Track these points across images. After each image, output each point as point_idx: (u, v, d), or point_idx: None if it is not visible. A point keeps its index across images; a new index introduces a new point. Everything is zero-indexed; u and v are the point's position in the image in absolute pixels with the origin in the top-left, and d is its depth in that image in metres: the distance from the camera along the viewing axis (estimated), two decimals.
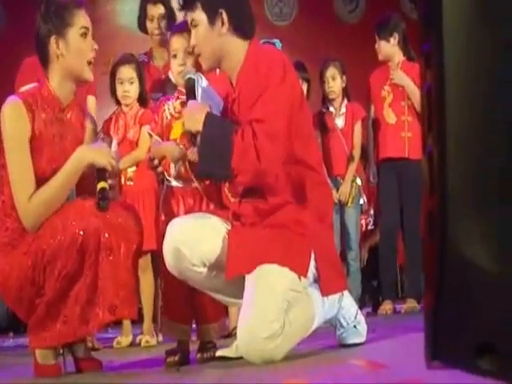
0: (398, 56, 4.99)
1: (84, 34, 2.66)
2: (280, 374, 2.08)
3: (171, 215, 2.79)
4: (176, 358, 2.60)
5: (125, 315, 2.65)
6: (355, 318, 2.61)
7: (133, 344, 3.99)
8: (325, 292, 2.47)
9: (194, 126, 2.51)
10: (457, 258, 1.05)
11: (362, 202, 5.18)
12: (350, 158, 5.06)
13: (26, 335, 3.01)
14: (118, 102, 4.11)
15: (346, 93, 5.18)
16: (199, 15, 2.58)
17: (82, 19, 2.66)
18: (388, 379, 1.68)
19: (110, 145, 2.70)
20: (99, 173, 2.55)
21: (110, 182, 2.56)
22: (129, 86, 4.05)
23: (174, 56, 2.87)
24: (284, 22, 8.36)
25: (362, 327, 2.63)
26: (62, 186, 2.56)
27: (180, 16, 4.49)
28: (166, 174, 2.88)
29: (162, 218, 2.93)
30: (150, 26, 4.57)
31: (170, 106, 2.91)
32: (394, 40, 4.96)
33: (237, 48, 2.58)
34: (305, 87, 4.74)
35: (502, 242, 1.02)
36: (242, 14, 2.62)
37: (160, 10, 4.53)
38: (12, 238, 2.56)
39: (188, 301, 2.70)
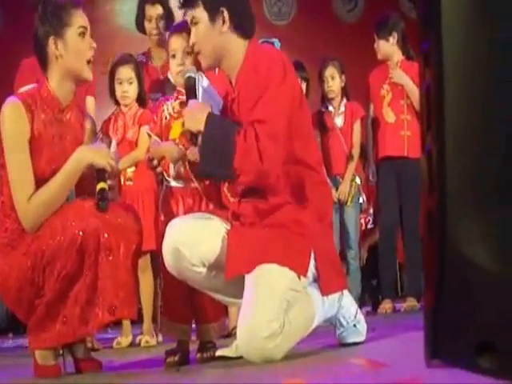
0: (397, 55, 4.99)
1: (82, 34, 2.65)
2: (280, 374, 2.07)
3: (170, 215, 2.79)
4: (176, 358, 2.60)
5: (124, 315, 2.65)
6: (355, 317, 2.61)
7: (132, 344, 3.99)
8: (324, 291, 2.47)
9: (195, 126, 2.50)
10: (456, 256, 1.05)
11: (361, 201, 5.18)
12: (349, 157, 5.06)
13: (25, 336, 3.01)
14: (116, 103, 4.11)
15: (345, 92, 5.19)
16: (200, 13, 2.57)
17: (79, 19, 2.66)
18: (388, 378, 1.67)
19: (109, 145, 2.70)
20: (99, 173, 2.55)
21: (109, 182, 2.56)
22: (128, 86, 4.05)
23: (173, 56, 2.86)
24: (283, 22, 8.36)
25: (362, 326, 2.63)
26: (61, 187, 2.56)
27: (178, 16, 4.50)
28: (165, 174, 2.87)
29: (162, 218, 2.93)
30: (148, 26, 4.57)
31: (169, 106, 2.91)
32: (393, 39, 4.96)
33: (237, 47, 2.58)
34: (304, 86, 4.74)
35: (501, 240, 1.02)
36: (242, 12, 2.62)
37: (158, 10, 4.53)
38: (11, 238, 2.56)
39: (188, 301, 2.70)
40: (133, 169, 4.02)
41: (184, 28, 2.84)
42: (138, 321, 3.71)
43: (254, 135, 2.37)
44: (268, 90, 2.42)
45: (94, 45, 2.68)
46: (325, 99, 5.19)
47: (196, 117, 2.50)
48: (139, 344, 3.92)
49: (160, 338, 3.97)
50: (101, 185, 2.51)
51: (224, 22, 2.56)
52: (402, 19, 5.16)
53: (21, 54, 4.21)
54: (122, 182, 3.99)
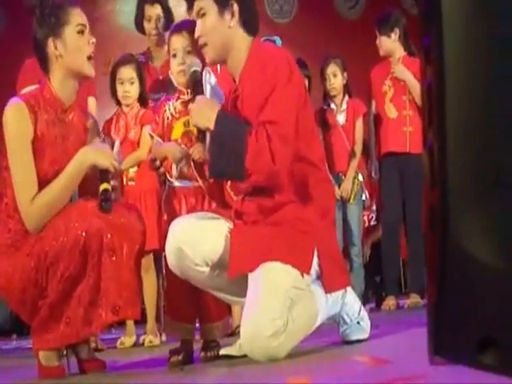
0: (399, 51, 4.98)
1: (81, 32, 2.65)
2: (284, 372, 2.07)
3: (173, 215, 2.79)
4: (180, 358, 2.60)
5: (128, 315, 2.65)
6: (358, 314, 2.61)
7: (136, 344, 4.00)
8: (328, 289, 2.47)
9: (203, 123, 2.49)
10: (458, 251, 1.05)
11: (364, 198, 5.18)
12: (352, 155, 5.05)
13: (29, 337, 3.01)
14: (118, 103, 4.11)
15: (347, 89, 5.18)
16: (209, 4, 2.54)
17: (77, 17, 2.65)
18: (392, 375, 1.67)
19: (112, 146, 2.70)
20: (102, 174, 2.55)
21: (112, 183, 2.55)
22: (129, 86, 4.05)
23: (174, 55, 2.85)
24: (284, 20, 8.35)
25: (366, 323, 2.62)
26: (64, 188, 2.56)
27: (177, 16, 4.51)
28: (167, 174, 2.87)
29: (165, 217, 2.93)
30: (148, 26, 4.57)
31: (171, 106, 2.90)
32: (395, 35, 4.95)
33: (242, 43, 2.56)
34: (305, 84, 4.74)
35: (502, 235, 1.01)
36: (250, 9, 2.61)
37: (157, 10, 4.52)
38: (15, 239, 2.56)
39: (191, 300, 2.70)
40: (135, 169, 4.02)
41: (184, 27, 2.84)
42: (141, 320, 3.70)
43: (265, 136, 2.36)
44: (276, 89, 2.40)
45: (94, 40, 2.68)
46: (327, 97, 5.19)
47: (205, 113, 2.49)
48: (143, 344, 3.93)
49: (164, 338, 3.98)
50: (104, 186, 2.50)
51: (233, 15, 2.55)
52: (404, 15, 5.15)
53: (23, 54, 4.21)
54: (125, 182, 3.99)
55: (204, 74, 2.66)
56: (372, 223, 5.89)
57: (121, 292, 2.48)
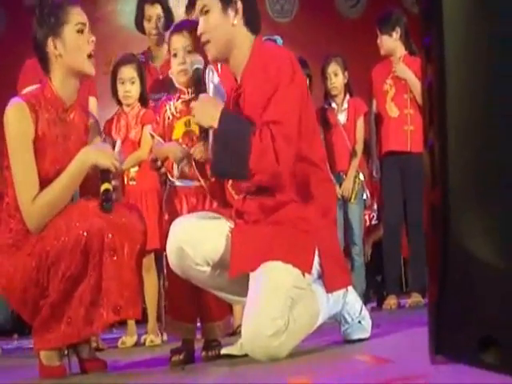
0: (400, 50, 4.98)
1: (80, 30, 2.65)
2: (285, 372, 2.07)
3: (174, 214, 2.78)
4: (181, 357, 2.60)
5: (129, 315, 2.65)
6: (360, 313, 2.61)
7: (137, 344, 3.99)
8: (329, 288, 2.46)
9: (206, 121, 2.48)
10: (459, 251, 1.05)
11: (365, 197, 5.18)
12: (353, 154, 5.05)
13: (30, 337, 3.02)
14: (119, 102, 4.10)
15: (348, 88, 5.18)
16: (212, 1, 2.54)
17: (76, 16, 2.65)
18: (393, 374, 1.67)
19: (113, 145, 2.70)
20: (103, 174, 2.54)
21: (113, 183, 2.55)
22: (130, 85, 4.05)
23: (175, 55, 2.85)
24: (285, 19, 8.35)
25: (367, 322, 2.63)
26: (65, 188, 2.56)
27: (177, 16, 4.51)
28: (168, 174, 2.87)
29: (166, 217, 2.93)
30: (148, 26, 4.57)
31: (172, 106, 2.90)
32: (396, 34, 4.95)
33: (245, 42, 2.56)
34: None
35: (503, 234, 1.01)
36: (253, 7, 2.61)
37: (157, 10, 4.52)
38: (16, 239, 2.56)
39: (192, 299, 2.70)
40: (136, 169, 4.02)
41: (185, 27, 2.84)
42: (142, 320, 3.71)
43: (269, 136, 2.35)
44: (279, 89, 2.40)
45: (93, 38, 2.67)
46: (328, 96, 5.18)
47: (208, 112, 2.48)
48: (144, 343, 3.93)
49: (165, 337, 3.98)
50: (105, 186, 2.50)
51: (236, 13, 2.54)
52: (405, 14, 5.15)
53: (24, 54, 4.20)
54: (126, 182, 3.99)
55: (207, 72, 2.66)
56: (373, 222, 5.89)
57: (122, 292, 2.48)
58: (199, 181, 2.78)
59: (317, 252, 2.43)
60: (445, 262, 1.06)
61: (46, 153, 2.59)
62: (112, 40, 6.87)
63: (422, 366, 1.46)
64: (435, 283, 1.08)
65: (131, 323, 4.02)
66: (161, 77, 4.36)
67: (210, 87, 2.62)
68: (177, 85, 2.90)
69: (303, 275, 2.39)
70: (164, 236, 2.63)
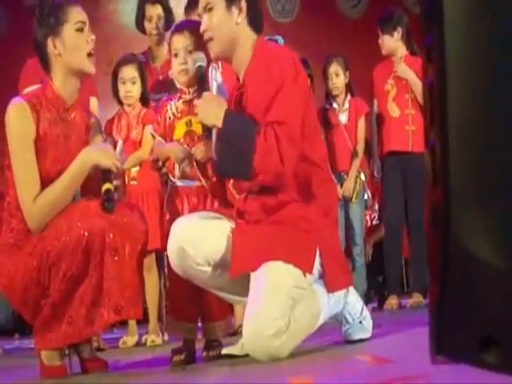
0: (402, 50, 4.98)
1: (80, 29, 2.65)
2: (286, 372, 2.07)
3: (175, 214, 2.78)
4: (182, 357, 2.60)
5: (130, 315, 2.64)
6: (361, 313, 2.60)
7: (138, 344, 4.00)
8: (330, 288, 2.46)
9: (210, 120, 2.48)
10: (460, 251, 1.05)
11: (366, 197, 5.18)
12: (354, 154, 5.06)
13: (31, 337, 3.02)
14: (120, 102, 4.11)
15: (349, 89, 5.18)
16: None
17: (76, 15, 2.65)
18: (394, 374, 1.67)
19: (114, 145, 2.70)
20: (104, 174, 2.54)
21: (115, 183, 2.55)
22: (131, 85, 4.05)
23: (175, 55, 2.84)
24: (286, 19, 8.36)
25: (368, 323, 2.62)
26: (66, 188, 2.56)
27: (178, 16, 4.51)
28: (170, 175, 2.87)
29: (167, 217, 2.93)
30: (148, 26, 4.57)
31: (173, 106, 2.89)
32: (398, 34, 4.95)
33: (248, 41, 2.55)
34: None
35: (504, 234, 1.01)
36: (256, 6, 2.60)
37: (158, 10, 4.52)
38: (17, 238, 2.56)
39: (193, 299, 2.70)
40: (137, 168, 4.02)
41: (186, 27, 2.84)
42: (143, 320, 3.71)
43: (274, 136, 2.35)
44: (282, 89, 2.40)
45: (93, 37, 2.67)
46: (329, 96, 5.19)
47: (212, 110, 2.47)
48: (145, 343, 3.93)
49: (166, 337, 3.98)
50: (106, 186, 2.50)
51: (240, 11, 2.54)
52: (406, 14, 5.15)
53: (24, 54, 4.20)
54: (127, 182, 3.99)
55: (210, 70, 2.64)
56: (374, 222, 5.89)
57: (123, 292, 2.48)
58: (200, 181, 2.78)
59: (318, 252, 2.43)
60: (446, 261, 1.06)
61: (47, 152, 2.59)
62: (113, 40, 6.87)
63: (422, 366, 1.46)
64: (436, 283, 1.08)
65: (132, 323, 4.02)
66: (161, 77, 4.36)
67: (214, 85, 2.61)
68: (178, 85, 2.90)
69: (304, 275, 2.39)
70: (165, 236, 2.63)
